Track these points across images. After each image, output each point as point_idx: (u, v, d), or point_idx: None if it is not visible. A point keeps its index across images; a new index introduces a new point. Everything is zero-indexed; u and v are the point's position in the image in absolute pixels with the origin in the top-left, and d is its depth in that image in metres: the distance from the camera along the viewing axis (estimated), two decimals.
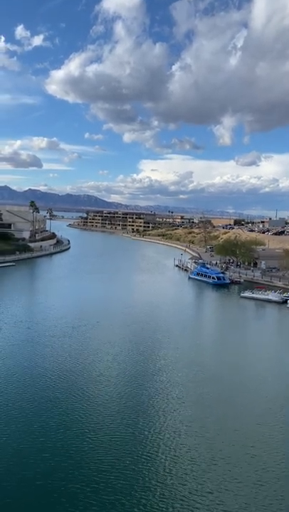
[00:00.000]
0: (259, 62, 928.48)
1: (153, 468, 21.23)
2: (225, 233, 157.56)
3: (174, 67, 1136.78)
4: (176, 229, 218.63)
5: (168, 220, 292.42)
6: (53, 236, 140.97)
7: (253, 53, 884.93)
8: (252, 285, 74.83)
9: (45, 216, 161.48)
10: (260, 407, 28.77)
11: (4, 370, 32.56)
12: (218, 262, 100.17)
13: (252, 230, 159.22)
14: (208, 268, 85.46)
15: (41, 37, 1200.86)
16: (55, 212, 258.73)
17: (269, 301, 64.76)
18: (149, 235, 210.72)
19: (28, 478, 20.08)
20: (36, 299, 60.74)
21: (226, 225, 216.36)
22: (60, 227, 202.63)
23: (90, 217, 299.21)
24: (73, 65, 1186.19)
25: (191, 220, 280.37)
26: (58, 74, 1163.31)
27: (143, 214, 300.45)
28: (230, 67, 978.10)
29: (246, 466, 21.68)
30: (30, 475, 20.29)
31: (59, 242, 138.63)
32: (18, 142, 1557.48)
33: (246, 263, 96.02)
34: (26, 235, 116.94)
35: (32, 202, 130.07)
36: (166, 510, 18.43)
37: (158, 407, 27.84)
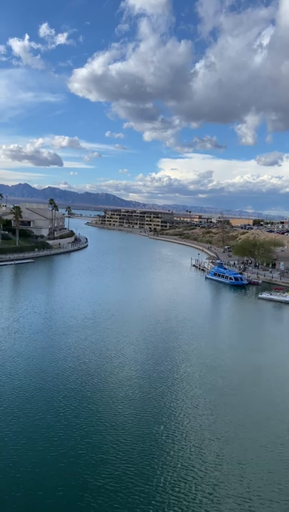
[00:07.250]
0: (285, 60, 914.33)
1: (167, 462, 21.37)
2: (243, 233, 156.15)
3: (197, 65, 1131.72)
4: (193, 228, 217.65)
5: (185, 219, 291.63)
6: (71, 234, 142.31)
7: (279, 51, 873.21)
8: (270, 286, 73.93)
9: (63, 214, 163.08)
10: (277, 408, 28.54)
11: (23, 358, 33.32)
12: (235, 262, 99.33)
13: (271, 231, 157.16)
14: (225, 268, 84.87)
15: (65, 35, 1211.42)
16: (73, 211, 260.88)
17: (287, 302, 63.91)
18: (166, 234, 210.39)
19: (40, 469, 20.44)
20: (54, 293, 61.41)
21: (245, 225, 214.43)
22: (78, 225, 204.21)
23: (107, 215, 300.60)
24: (97, 64, 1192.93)
25: (209, 220, 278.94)
26: (81, 72, 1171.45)
27: (161, 213, 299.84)
28: (256, 65, 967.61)
29: (262, 462, 21.64)
30: (43, 466, 20.67)
31: (77, 240, 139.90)
32: (40, 140, 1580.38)
33: (264, 264, 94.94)
34: (45, 232, 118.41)
35: (51, 200, 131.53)
36: (182, 501, 18.64)
37: (172, 402, 27.86)
